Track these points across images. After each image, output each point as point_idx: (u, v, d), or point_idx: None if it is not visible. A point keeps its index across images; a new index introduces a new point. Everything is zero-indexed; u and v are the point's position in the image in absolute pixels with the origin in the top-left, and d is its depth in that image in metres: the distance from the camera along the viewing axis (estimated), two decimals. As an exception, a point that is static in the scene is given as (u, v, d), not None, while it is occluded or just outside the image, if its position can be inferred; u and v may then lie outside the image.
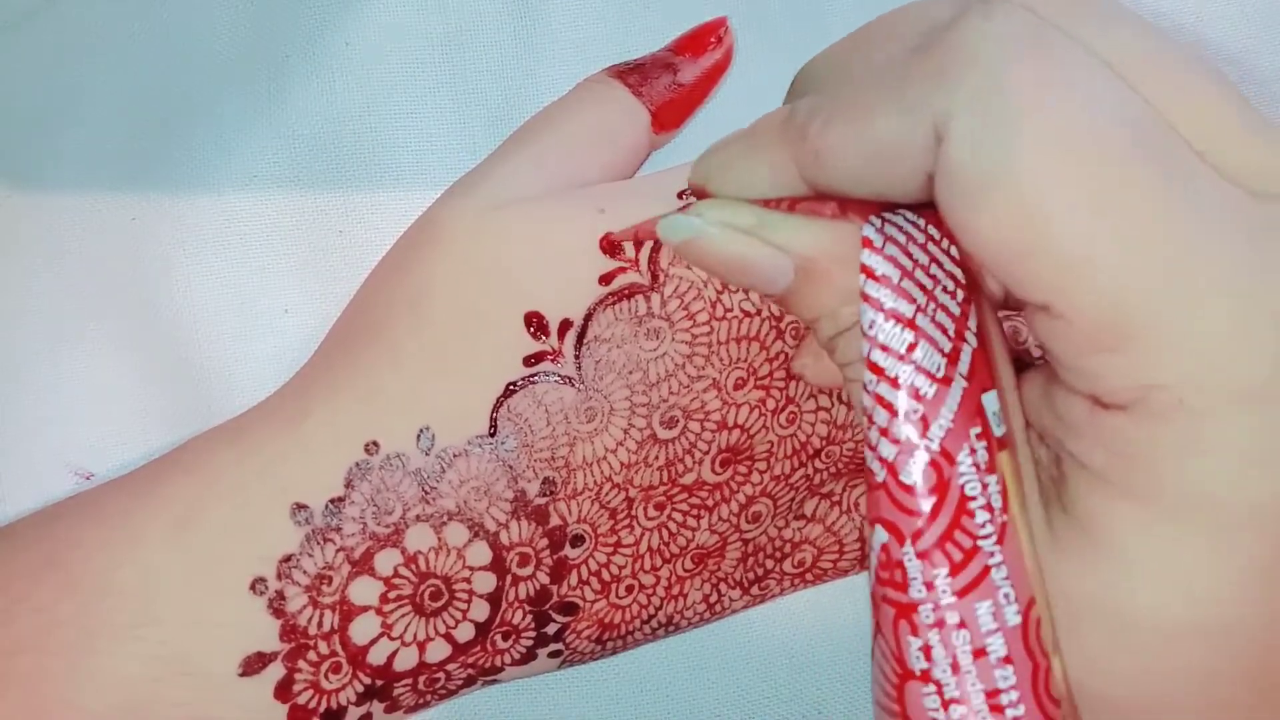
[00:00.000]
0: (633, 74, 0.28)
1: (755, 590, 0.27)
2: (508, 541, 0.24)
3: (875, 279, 0.18)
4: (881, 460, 0.18)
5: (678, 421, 0.24)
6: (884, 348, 0.18)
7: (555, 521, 0.24)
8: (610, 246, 0.24)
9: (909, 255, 0.19)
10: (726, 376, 0.24)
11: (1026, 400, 0.20)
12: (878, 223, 0.19)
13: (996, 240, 0.17)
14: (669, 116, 0.28)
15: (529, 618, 0.25)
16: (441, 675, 0.25)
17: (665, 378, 0.24)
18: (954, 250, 0.19)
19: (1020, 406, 0.20)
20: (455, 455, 0.23)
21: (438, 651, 0.24)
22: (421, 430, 0.23)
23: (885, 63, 0.19)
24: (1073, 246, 0.16)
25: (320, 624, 0.23)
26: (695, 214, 0.21)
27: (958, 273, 0.19)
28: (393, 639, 0.24)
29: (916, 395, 0.18)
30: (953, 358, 0.18)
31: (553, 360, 0.24)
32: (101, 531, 0.23)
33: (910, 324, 0.18)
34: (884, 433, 0.18)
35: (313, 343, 0.26)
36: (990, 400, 0.19)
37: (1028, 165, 0.16)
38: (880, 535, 0.18)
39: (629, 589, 0.25)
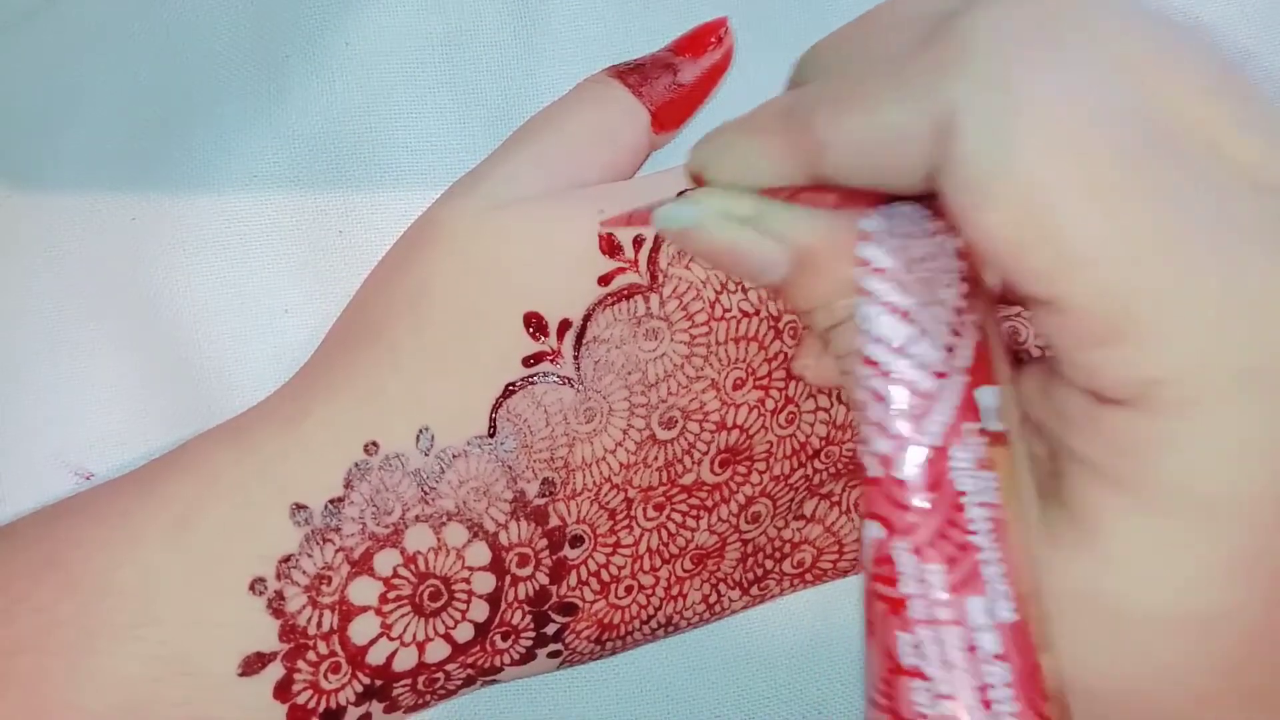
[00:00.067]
0: (633, 74, 0.28)
1: (755, 591, 0.27)
2: (507, 542, 0.24)
3: (873, 271, 0.18)
4: (876, 455, 0.18)
5: (677, 422, 0.24)
6: (880, 341, 0.18)
7: (554, 522, 0.24)
8: (610, 247, 0.24)
9: (909, 248, 0.18)
10: (725, 377, 0.24)
11: (1024, 395, 0.20)
12: (878, 214, 0.19)
13: (1001, 233, 0.17)
14: (669, 117, 0.28)
15: (528, 618, 0.25)
16: (441, 675, 0.25)
17: (664, 378, 0.24)
18: (956, 244, 0.19)
19: (1018, 401, 0.20)
20: (454, 456, 0.23)
21: (437, 652, 0.24)
22: (421, 430, 0.23)
23: (892, 52, 0.19)
24: (1077, 240, 0.16)
25: (319, 624, 0.23)
26: (693, 202, 0.21)
27: (959, 267, 0.19)
28: (392, 639, 0.24)
29: (912, 390, 0.18)
30: (951, 352, 0.18)
31: (552, 361, 0.24)
32: (101, 531, 0.23)
33: (907, 317, 0.18)
34: (879, 427, 0.18)
35: (312, 343, 0.26)
36: (988, 395, 0.18)
37: (1034, 158, 0.16)
38: (873, 530, 0.18)
39: (628, 589, 0.25)
